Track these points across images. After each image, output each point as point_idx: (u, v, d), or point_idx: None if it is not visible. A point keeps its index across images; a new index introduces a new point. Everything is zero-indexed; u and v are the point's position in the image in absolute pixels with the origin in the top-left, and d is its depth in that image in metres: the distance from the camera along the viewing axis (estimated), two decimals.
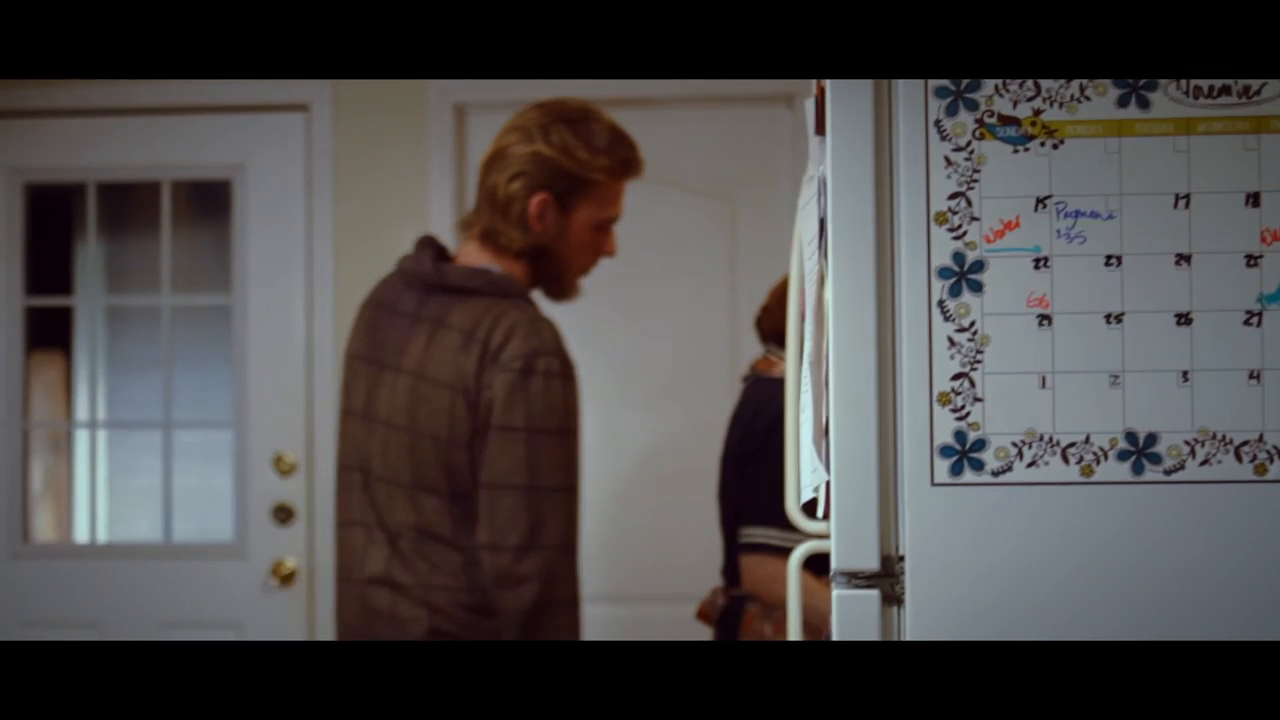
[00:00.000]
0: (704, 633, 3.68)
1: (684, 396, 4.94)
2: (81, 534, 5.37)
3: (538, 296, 3.15)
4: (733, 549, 3.56)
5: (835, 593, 1.84)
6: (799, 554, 2.53)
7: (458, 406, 2.89)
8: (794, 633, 2.55)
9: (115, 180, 5.24)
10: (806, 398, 2.07)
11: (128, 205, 5.34)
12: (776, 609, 3.45)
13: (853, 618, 1.83)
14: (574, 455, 2.94)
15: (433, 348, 2.94)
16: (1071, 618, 1.82)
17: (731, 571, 3.57)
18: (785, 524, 3.39)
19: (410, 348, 2.97)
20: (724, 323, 4.98)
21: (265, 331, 5.12)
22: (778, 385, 3.50)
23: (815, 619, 3.38)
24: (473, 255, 3.07)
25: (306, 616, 5.07)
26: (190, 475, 5.28)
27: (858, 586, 1.84)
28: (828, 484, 1.87)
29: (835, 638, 1.84)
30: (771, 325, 3.58)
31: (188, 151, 5.13)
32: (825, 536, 2.54)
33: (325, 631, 5.04)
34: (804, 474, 2.06)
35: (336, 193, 5.09)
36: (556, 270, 3.08)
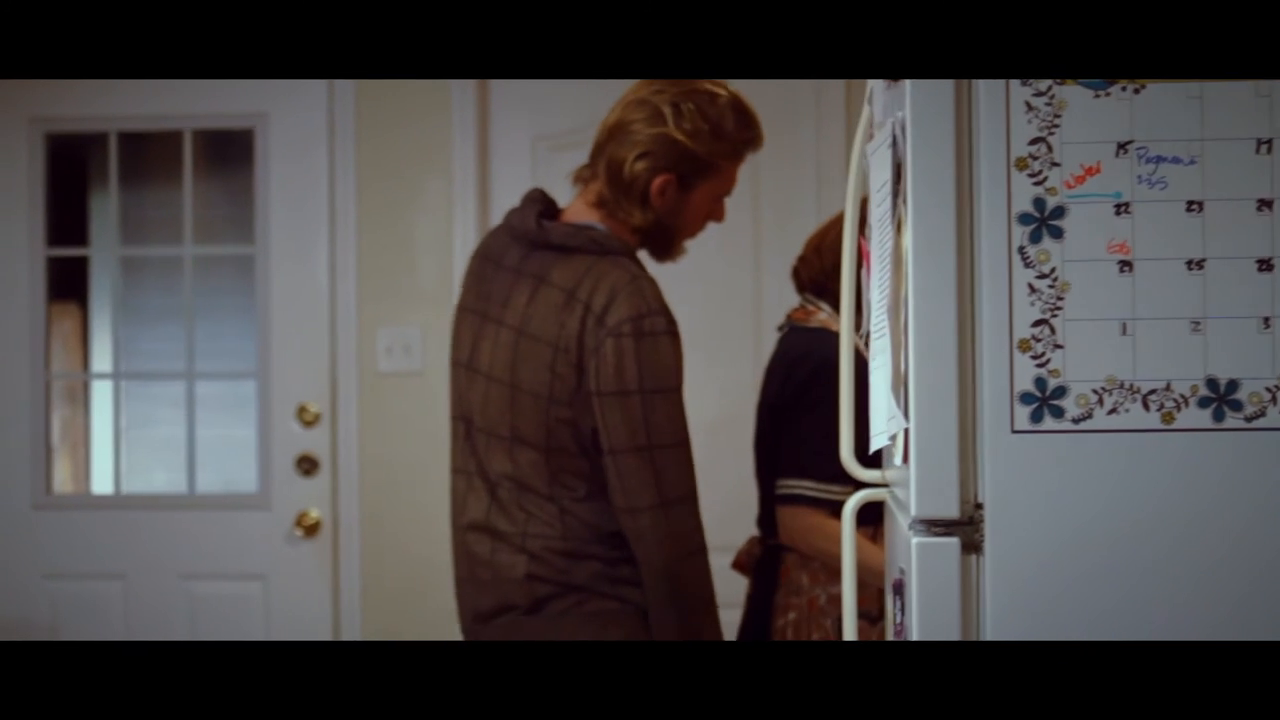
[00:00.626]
0: (740, 582, 3.68)
1: (708, 347, 4.93)
2: (99, 485, 5.36)
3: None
4: (769, 500, 3.56)
5: (914, 540, 1.84)
6: (853, 503, 2.53)
7: (559, 364, 2.91)
8: (848, 582, 2.55)
9: (137, 130, 5.21)
10: (878, 344, 2.06)
11: (141, 156, 5.31)
12: (813, 560, 3.45)
13: (933, 565, 1.83)
14: (683, 408, 2.97)
15: (534, 304, 2.96)
16: (1151, 564, 1.81)
17: (767, 522, 3.56)
18: (822, 475, 3.40)
19: (512, 302, 3.00)
20: (748, 272, 4.97)
21: (288, 281, 5.11)
22: (814, 335, 3.50)
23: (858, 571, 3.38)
24: (581, 214, 3.09)
25: (331, 567, 5.07)
26: (210, 426, 5.28)
27: (937, 534, 1.84)
28: (906, 431, 1.86)
29: (914, 586, 1.83)
30: (809, 275, 3.57)
31: (209, 101, 5.10)
32: (880, 486, 2.54)
33: (349, 582, 5.04)
34: (877, 421, 2.05)
35: (359, 142, 5.07)
36: (668, 238, 3.11)
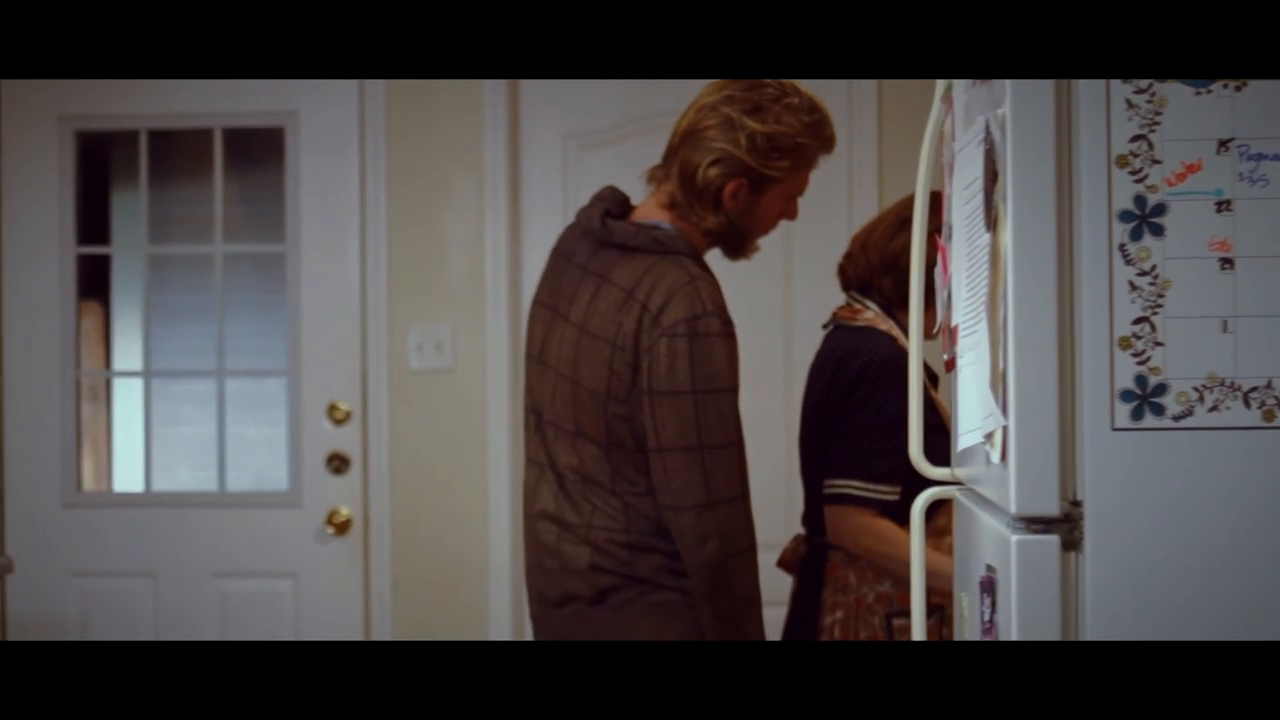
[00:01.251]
0: (784, 580, 3.68)
1: (740, 346, 4.91)
2: (120, 484, 5.35)
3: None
4: (814, 498, 3.55)
5: (1014, 538, 1.83)
6: (922, 501, 2.53)
7: (616, 362, 2.95)
8: (917, 579, 2.55)
9: (167, 128, 5.20)
10: (967, 341, 2.06)
11: (162, 154, 5.29)
12: (860, 559, 3.44)
13: (1032, 563, 1.83)
14: (737, 409, 3.00)
15: (596, 302, 3.00)
16: (1251, 563, 1.81)
17: (812, 520, 3.56)
18: (870, 475, 3.39)
19: (577, 299, 3.04)
20: (779, 271, 4.96)
21: (318, 279, 5.10)
22: (861, 334, 3.49)
23: (901, 569, 3.38)
24: (652, 214, 3.10)
25: (362, 565, 5.07)
26: (233, 424, 5.27)
27: (1036, 531, 1.83)
28: (1004, 429, 1.86)
29: (1014, 583, 1.83)
30: (855, 273, 3.56)
31: (240, 99, 5.10)
32: (949, 484, 2.54)
33: (380, 579, 5.04)
34: (965, 419, 2.05)
35: (390, 140, 5.07)
36: (740, 239, 3.13)
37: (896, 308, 3.50)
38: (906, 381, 3.37)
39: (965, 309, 2.07)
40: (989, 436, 1.92)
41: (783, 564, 3.63)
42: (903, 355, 3.42)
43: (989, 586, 1.99)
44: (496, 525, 5.03)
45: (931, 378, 3.50)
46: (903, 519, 3.40)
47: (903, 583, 3.40)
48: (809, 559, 3.55)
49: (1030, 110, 1.83)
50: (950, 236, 2.29)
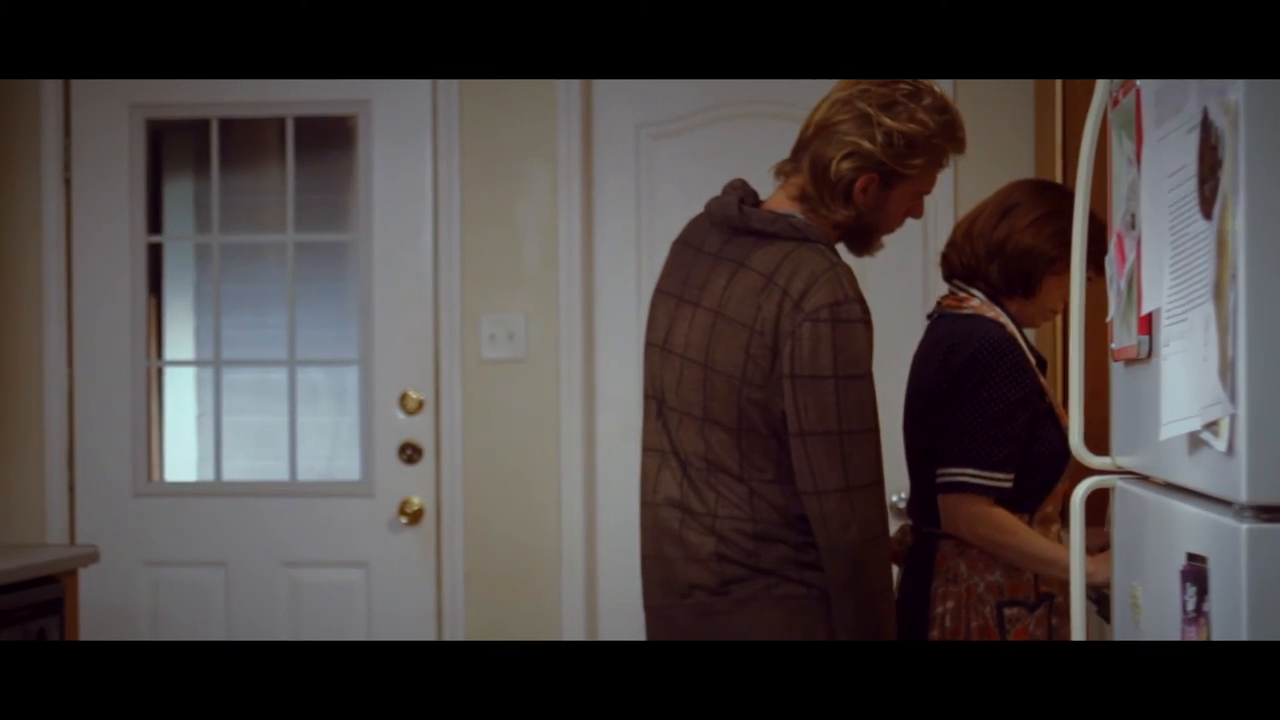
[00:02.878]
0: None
1: None
2: (172, 473, 5.32)
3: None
4: (922, 488, 3.55)
5: (1244, 527, 1.83)
6: (1083, 490, 2.53)
7: (754, 346, 2.96)
8: (1076, 570, 2.55)
9: (238, 116, 5.19)
10: (1172, 329, 2.05)
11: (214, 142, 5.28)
12: (970, 548, 3.44)
13: (1266, 552, 1.82)
14: (874, 395, 3.01)
15: (732, 287, 3.01)
16: None
17: (920, 510, 3.56)
18: (984, 462, 3.39)
19: (710, 286, 3.05)
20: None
21: (390, 268, 5.09)
22: (969, 322, 3.49)
23: (1017, 557, 3.38)
24: (782, 206, 3.12)
25: (434, 554, 5.06)
26: (278, 415, 5.27)
27: (1267, 520, 1.83)
28: (1232, 418, 1.85)
29: (1244, 574, 1.82)
30: (960, 261, 3.56)
31: (312, 87, 5.09)
32: (1109, 473, 2.54)
33: (453, 569, 5.04)
34: (1172, 407, 2.04)
35: (463, 128, 5.06)
36: (867, 234, 3.16)
37: (1003, 295, 3.51)
38: (1017, 368, 3.41)
39: (1171, 297, 2.06)
40: (1211, 425, 1.91)
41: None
42: (1012, 342, 3.42)
43: (1195, 576, 1.98)
44: (569, 515, 5.03)
45: (1040, 364, 3.51)
46: (1012, 507, 3.41)
47: (1014, 571, 3.41)
48: (916, 549, 3.55)
49: (1267, 97, 1.81)
50: (1133, 225, 2.28)
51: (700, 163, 5.05)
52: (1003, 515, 3.40)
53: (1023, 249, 3.47)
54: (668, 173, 5.09)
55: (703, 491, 3.04)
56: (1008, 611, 3.44)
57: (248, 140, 5.25)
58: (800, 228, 3.03)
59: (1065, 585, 3.37)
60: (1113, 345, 2.45)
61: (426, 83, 5.05)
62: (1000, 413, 3.38)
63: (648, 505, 3.15)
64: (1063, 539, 3.52)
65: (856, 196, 3.06)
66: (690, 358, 3.05)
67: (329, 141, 5.20)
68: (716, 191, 4.91)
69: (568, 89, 5.02)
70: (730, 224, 3.08)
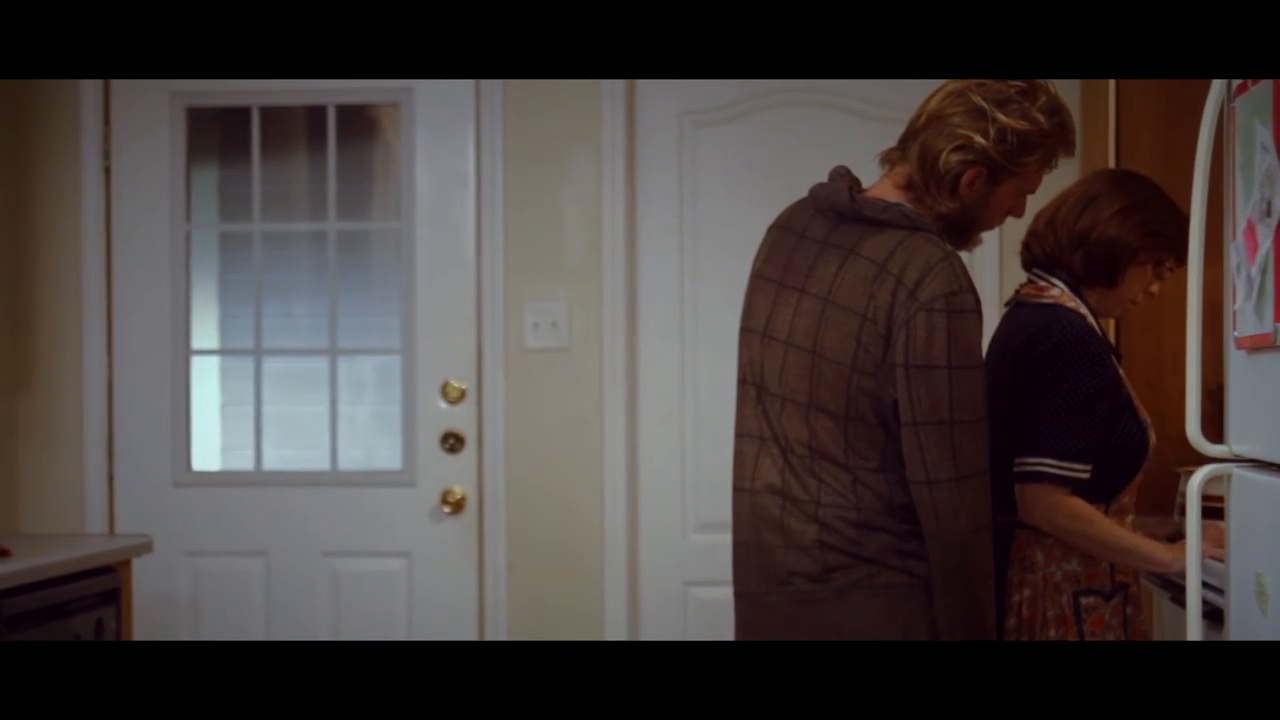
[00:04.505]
0: None
1: None
2: (199, 462, 5.29)
3: None
4: (1000, 476, 3.54)
5: None
6: (1199, 479, 2.54)
7: (865, 334, 2.95)
8: (1193, 563, 2.56)
9: (280, 104, 5.17)
10: None
11: (240, 131, 5.26)
12: (1047, 537, 3.44)
13: None
14: (984, 385, 3.03)
15: (843, 275, 3.00)
16: None
17: (996, 498, 3.55)
18: (1063, 453, 3.39)
19: (817, 272, 3.03)
20: None
21: (432, 257, 5.08)
22: (1049, 311, 3.48)
23: (1095, 547, 3.38)
24: (888, 193, 3.12)
25: (476, 544, 5.05)
26: (307, 404, 5.26)
27: None
28: None
29: None
30: (1042, 250, 3.56)
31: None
32: (1226, 460, 2.55)
33: (495, 558, 5.03)
34: None
35: (505, 117, 5.04)
36: (968, 228, 3.15)
37: (1084, 285, 3.51)
38: (1097, 359, 3.41)
39: None
40: None
41: None
42: (1092, 332, 3.43)
43: None
44: (612, 505, 5.02)
45: (1116, 355, 3.51)
46: (1089, 496, 3.42)
47: (1090, 560, 3.41)
48: (994, 537, 3.54)
49: None
50: (1268, 211, 2.28)
51: (744, 151, 5.06)
52: (1080, 505, 3.40)
53: (1107, 239, 3.48)
54: (711, 161, 5.08)
55: (804, 479, 3.03)
56: (1084, 600, 3.44)
57: (271, 129, 5.21)
58: (911, 216, 3.02)
59: (1139, 574, 3.38)
60: (1235, 333, 2.45)
61: None
62: (1080, 403, 3.38)
63: (744, 491, 3.13)
64: (1137, 529, 3.53)
65: (963, 189, 3.06)
66: (796, 344, 3.04)
67: (358, 131, 5.18)
68: (762, 179, 4.99)
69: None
70: (839, 211, 3.06)
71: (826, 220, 3.09)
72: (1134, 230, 3.47)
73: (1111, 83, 4.43)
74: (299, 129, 5.24)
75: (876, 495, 3.02)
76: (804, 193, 4.71)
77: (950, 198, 3.06)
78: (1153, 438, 3.47)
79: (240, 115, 5.19)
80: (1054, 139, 3.07)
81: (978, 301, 2.99)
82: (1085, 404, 3.38)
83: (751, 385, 3.14)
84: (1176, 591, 3.58)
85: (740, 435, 3.16)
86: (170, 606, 5.07)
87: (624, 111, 5.02)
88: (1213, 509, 3.55)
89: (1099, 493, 3.43)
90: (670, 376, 5.06)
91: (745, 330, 3.19)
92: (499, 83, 5.02)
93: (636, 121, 5.06)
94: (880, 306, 2.95)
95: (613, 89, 5.01)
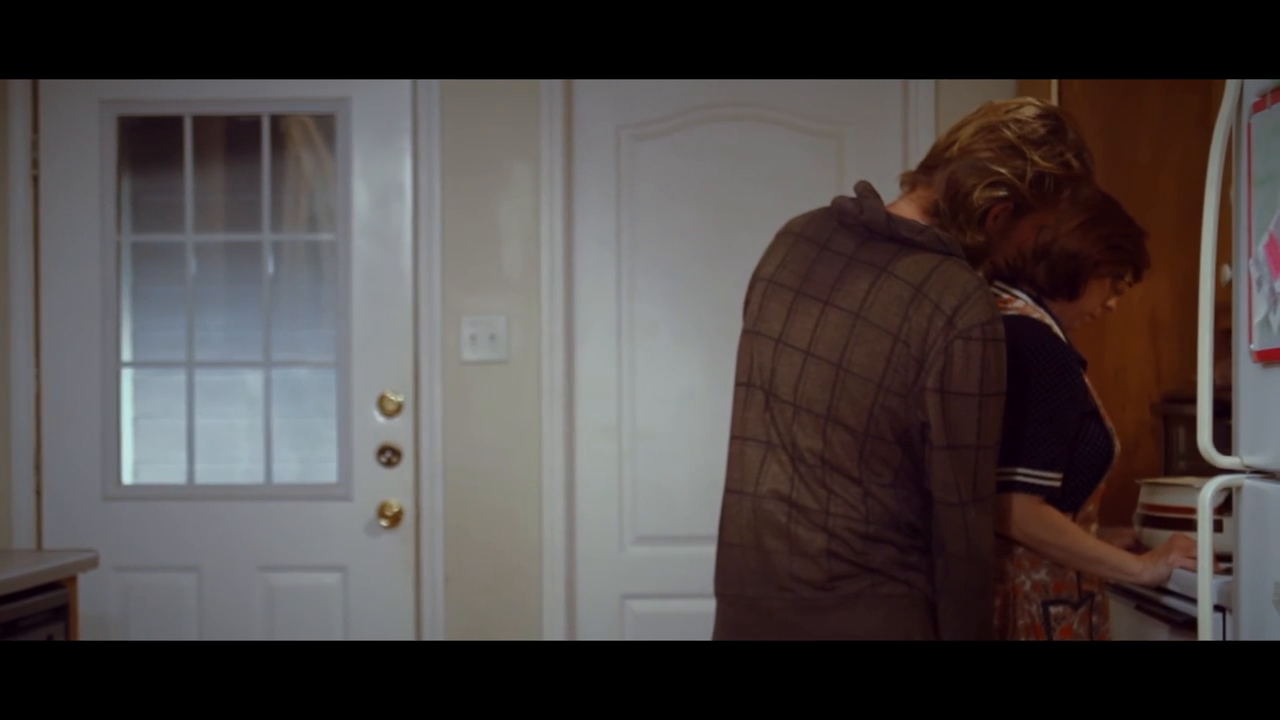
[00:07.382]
0: None
1: None
2: (128, 476, 5.21)
3: None
4: None
5: None
6: (1211, 489, 2.59)
7: (897, 355, 2.97)
8: (1205, 569, 2.61)
9: (213, 114, 5.10)
10: None
11: (150, 142, 5.19)
12: (1016, 547, 3.49)
13: None
14: (1003, 411, 3.08)
15: (876, 292, 3.01)
16: None
17: None
18: (1035, 461, 3.43)
19: (847, 286, 3.04)
20: None
21: (368, 269, 5.04)
22: (1014, 323, 3.53)
23: (1067, 557, 3.43)
24: (910, 214, 3.13)
25: (413, 558, 5.01)
26: (211, 416, 5.20)
27: None
28: None
29: None
30: (1005, 263, 3.60)
31: (289, 85, 5.01)
32: (1238, 472, 2.60)
33: (432, 572, 5.00)
34: None
35: (444, 128, 5.02)
36: (981, 256, 3.18)
37: (1047, 297, 3.56)
38: (1065, 369, 3.46)
39: None
40: None
41: None
42: (1059, 342, 3.48)
43: None
44: (550, 519, 5.01)
45: (1082, 364, 3.56)
46: (1056, 506, 3.47)
47: (1058, 570, 3.46)
48: None
49: None
50: None
51: (681, 164, 5.08)
52: (1053, 514, 3.44)
53: (1069, 252, 3.53)
54: (648, 174, 5.10)
55: (814, 488, 3.05)
56: (1053, 610, 3.48)
57: (171, 139, 5.14)
58: (945, 241, 3.06)
59: (1105, 584, 3.44)
60: (1252, 346, 2.50)
61: (407, 81, 5.00)
62: (1050, 412, 3.43)
63: (744, 495, 3.12)
64: (1102, 538, 3.58)
65: (989, 222, 3.10)
66: (819, 355, 3.05)
67: (284, 141, 5.14)
68: (699, 192, 5.02)
69: (550, 89, 5.00)
70: (871, 228, 3.09)
71: (854, 235, 3.11)
72: (1095, 243, 3.53)
73: (1053, 85, 4.50)
74: (221, 139, 5.17)
75: (885, 509, 3.05)
76: (741, 205, 4.73)
77: (977, 230, 3.11)
78: (1118, 446, 3.52)
79: (158, 125, 5.12)
80: (1084, 180, 3.14)
81: (1004, 330, 3.05)
82: (1055, 413, 3.42)
83: (759, 390, 3.14)
84: (1142, 600, 3.63)
85: (742, 438, 3.16)
86: (101, 623, 4.98)
87: (562, 123, 5.02)
88: (1183, 521, 3.63)
89: (1067, 501, 3.48)
90: (608, 389, 5.06)
91: (754, 334, 3.18)
92: (436, 94, 4.99)
93: (574, 134, 5.06)
94: (915, 330, 2.98)
95: (551, 101, 5.00)
